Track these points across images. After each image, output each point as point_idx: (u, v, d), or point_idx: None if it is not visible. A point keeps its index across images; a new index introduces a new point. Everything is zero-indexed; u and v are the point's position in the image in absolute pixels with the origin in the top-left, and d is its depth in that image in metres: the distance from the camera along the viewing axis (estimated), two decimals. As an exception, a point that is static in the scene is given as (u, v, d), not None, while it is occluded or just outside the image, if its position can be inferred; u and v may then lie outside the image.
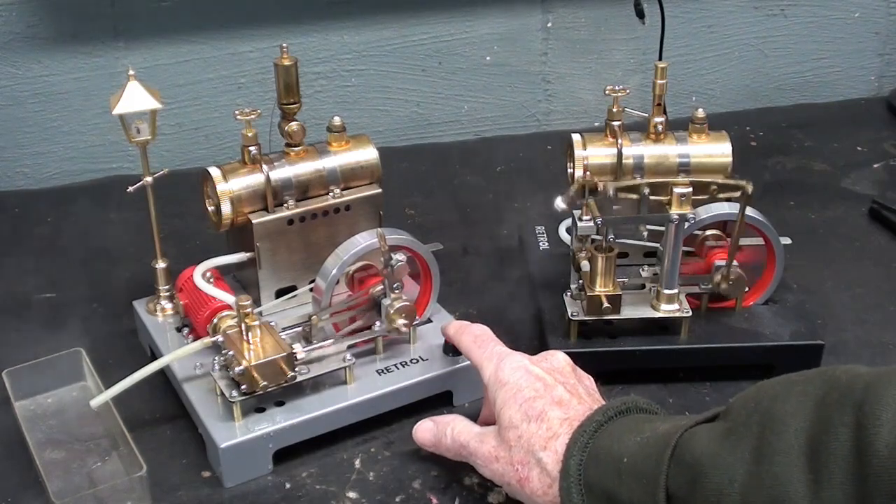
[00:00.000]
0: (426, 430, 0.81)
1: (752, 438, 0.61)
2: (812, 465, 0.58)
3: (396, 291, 0.88)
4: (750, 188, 0.88)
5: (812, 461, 0.58)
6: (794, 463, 0.59)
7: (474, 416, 0.88)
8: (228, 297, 0.88)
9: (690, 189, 0.87)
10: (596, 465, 0.68)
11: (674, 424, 0.67)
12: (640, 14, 1.24)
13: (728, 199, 0.92)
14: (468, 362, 0.88)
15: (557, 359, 0.78)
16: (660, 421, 0.69)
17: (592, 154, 0.98)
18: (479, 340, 0.82)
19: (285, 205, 0.93)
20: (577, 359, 0.90)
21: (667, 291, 0.90)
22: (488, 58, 1.44)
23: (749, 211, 0.91)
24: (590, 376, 0.80)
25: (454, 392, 0.89)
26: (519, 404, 0.73)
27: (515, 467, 0.72)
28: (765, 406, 0.63)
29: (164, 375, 0.90)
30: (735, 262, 0.92)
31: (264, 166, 0.91)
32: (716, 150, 0.98)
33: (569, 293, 0.93)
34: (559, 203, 0.90)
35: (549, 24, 1.44)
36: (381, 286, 0.88)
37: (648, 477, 0.65)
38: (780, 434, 0.60)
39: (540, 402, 0.73)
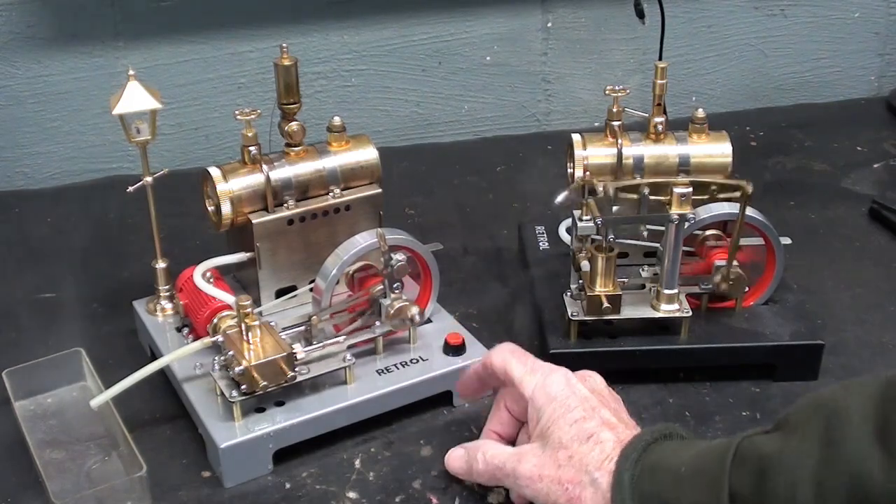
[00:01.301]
0: (457, 458, 0.79)
1: (818, 430, 0.61)
2: (884, 446, 0.58)
3: (396, 291, 0.88)
4: (749, 188, 0.88)
5: (883, 443, 0.58)
6: (866, 445, 0.58)
7: (475, 416, 0.88)
8: (228, 297, 0.88)
9: (690, 189, 0.87)
10: (651, 477, 0.67)
11: (728, 438, 0.67)
12: (640, 14, 1.24)
13: (728, 200, 0.92)
14: (468, 362, 0.88)
15: (595, 380, 0.77)
16: (707, 441, 0.69)
17: (592, 154, 0.98)
18: (517, 354, 0.80)
19: (285, 205, 0.93)
20: (577, 359, 0.90)
21: (667, 291, 0.90)
22: (488, 58, 1.44)
23: (749, 211, 0.91)
24: (618, 397, 0.79)
25: (454, 392, 0.89)
26: (569, 424, 0.72)
27: (565, 486, 0.70)
28: (825, 405, 0.62)
29: (164, 375, 0.90)
30: (735, 262, 0.92)
31: (264, 166, 0.91)
32: (716, 150, 0.98)
33: (569, 293, 0.93)
34: (559, 199, 0.90)
35: (549, 24, 1.44)
36: (381, 286, 0.88)
37: (710, 480, 0.64)
38: (846, 423, 0.60)
39: (590, 423, 0.72)
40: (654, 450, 0.69)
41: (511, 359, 0.79)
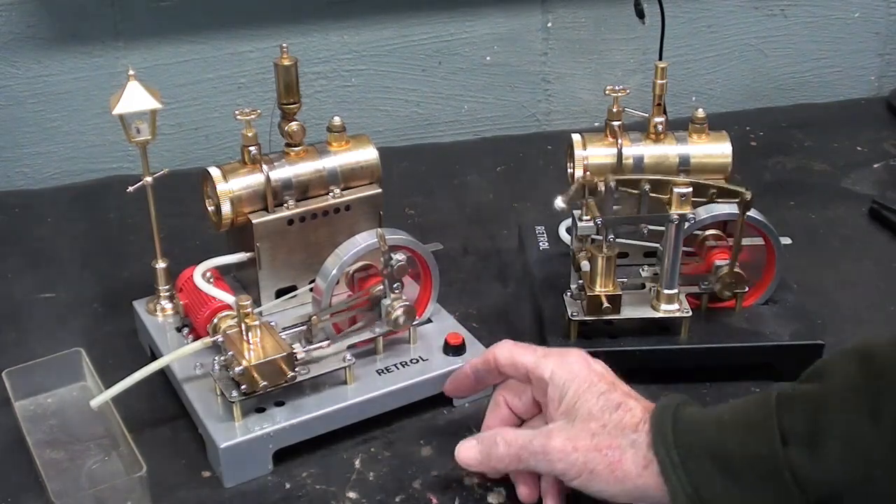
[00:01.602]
0: (470, 448, 0.77)
1: (857, 370, 0.64)
2: None
3: (396, 291, 0.88)
4: (749, 195, 0.88)
5: None
6: None
7: (475, 416, 0.88)
8: (228, 297, 0.88)
9: (690, 189, 0.87)
10: (690, 428, 0.68)
11: (760, 392, 0.69)
12: (640, 14, 1.24)
13: (727, 202, 0.92)
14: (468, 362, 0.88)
15: (601, 364, 0.79)
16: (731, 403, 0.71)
17: (592, 154, 0.98)
18: (521, 345, 0.80)
19: (285, 205, 0.93)
20: (577, 359, 0.90)
21: (667, 291, 0.90)
22: (488, 58, 1.44)
23: (749, 211, 0.90)
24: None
25: (454, 392, 0.89)
26: (596, 396, 0.73)
27: (604, 452, 0.70)
28: (851, 351, 0.65)
29: (164, 375, 0.90)
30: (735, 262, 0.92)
31: (264, 166, 0.91)
32: (716, 150, 0.98)
33: (569, 293, 0.93)
34: (559, 203, 0.90)
35: (549, 24, 1.44)
36: (381, 286, 0.88)
37: (757, 423, 0.65)
38: (881, 358, 0.63)
39: (615, 394, 0.73)
40: (684, 409, 0.71)
41: (517, 349, 0.79)
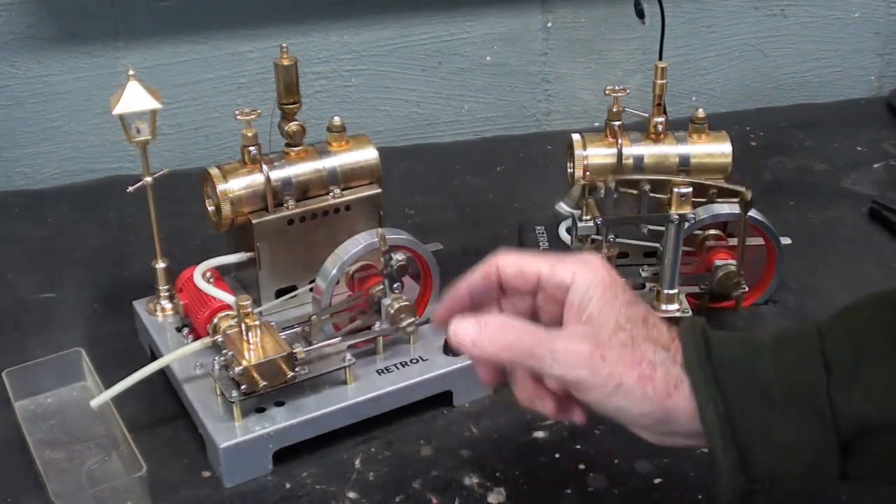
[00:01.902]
0: (470, 326, 0.66)
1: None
2: None
3: (396, 291, 0.88)
4: (749, 195, 0.88)
5: None
6: None
7: (475, 416, 0.88)
8: (228, 297, 0.88)
9: (690, 189, 0.87)
10: (724, 347, 0.63)
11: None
12: (640, 14, 1.25)
13: (728, 201, 0.92)
14: (468, 362, 0.88)
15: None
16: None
17: (592, 154, 0.98)
18: (524, 252, 0.70)
19: (285, 205, 0.93)
20: (577, 359, 0.90)
21: (667, 291, 0.90)
22: (488, 58, 1.44)
23: (750, 210, 0.91)
24: None
25: (454, 392, 0.89)
26: (623, 307, 0.65)
27: (634, 366, 0.62)
28: (880, 297, 0.64)
29: (164, 375, 0.90)
30: (734, 262, 0.92)
31: (264, 166, 0.91)
32: (716, 150, 0.98)
33: (569, 293, 0.93)
34: (564, 207, 0.90)
35: (549, 24, 1.44)
36: (381, 286, 0.88)
37: (799, 348, 0.61)
38: None
39: (640, 308, 0.66)
40: (712, 331, 0.65)
41: (524, 257, 0.69)
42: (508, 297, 0.71)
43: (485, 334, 0.65)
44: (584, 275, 0.66)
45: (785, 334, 0.64)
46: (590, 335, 0.64)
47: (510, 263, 0.69)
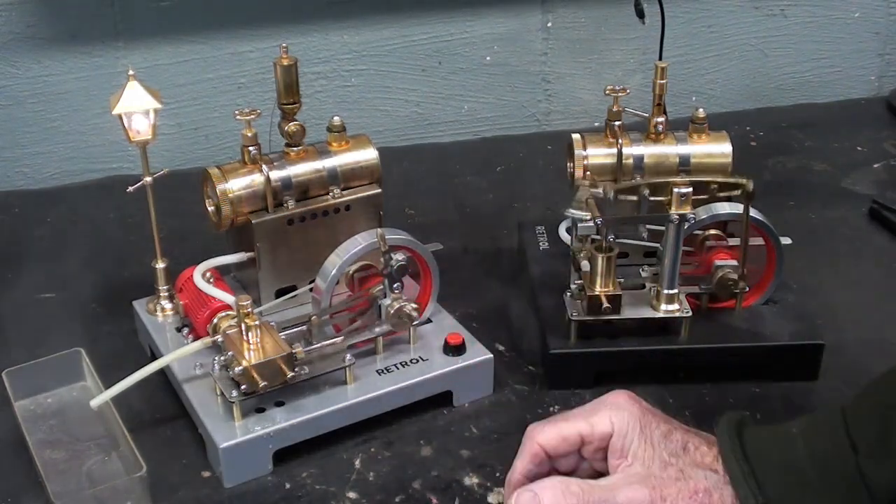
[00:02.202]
0: (533, 500, 0.68)
1: None
2: None
3: (396, 291, 0.88)
4: (750, 185, 0.88)
5: None
6: None
7: (475, 416, 0.88)
8: (228, 297, 0.88)
9: (690, 189, 0.87)
10: (758, 441, 0.68)
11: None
12: (640, 14, 1.24)
13: (728, 199, 0.92)
14: (468, 362, 0.88)
15: (643, 401, 0.76)
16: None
17: (592, 154, 0.98)
18: (551, 420, 0.74)
19: (285, 205, 0.93)
20: (577, 359, 0.90)
21: (667, 291, 0.90)
22: (488, 58, 1.44)
23: (752, 202, 0.90)
24: None
25: (454, 392, 0.89)
26: (662, 440, 0.70)
27: (694, 495, 0.67)
28: None
29: (164, 375, 0.90)
30: (734, 262, 0.92)
31: (264, 166, 0.91)
32: (716, 150, 0.98)
33: (569, 293, 0.93)
34: (574, 213, 0.89)
35: (549, 24, 1.44)
36: (381, 286, 0.88)
37: (826, 432, 0.66)
38: None
39: (677, 433, 0.71)
40: (746, 426, 0.70)
41: (555, 425, 0.73)
42: (557, 461, 0.74)
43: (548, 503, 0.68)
44: (620, 419, 0.71)
45: (814, 420, 0.68)
46: (643, 477, 0.68)
47: (550, 437, 0.72)
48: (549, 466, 0.73)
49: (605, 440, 0.71)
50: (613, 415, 0.71)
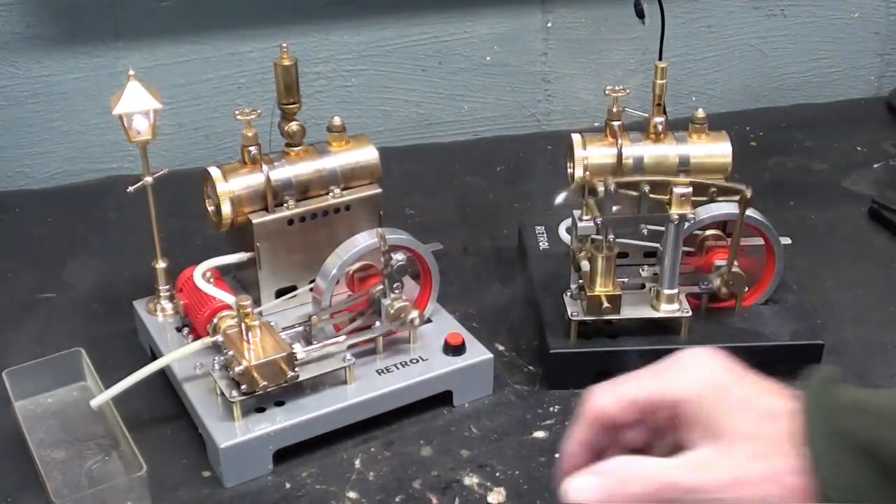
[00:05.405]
0: (587, 485, 0.58)
1: None
2: None
3: (396, 291, 0.88)
4: (748, 193, 0.88)
5: None
6: None
7: (475, 416, 0.88)
8: (228, 297, 0.88)
9: (690, 189, 0.87)
10: (847, 418, 0.56)
11: None
12: (640, 14, 1.24)
13: (727, 200, 0.92)
14: (468, 362, 0.88)
15: (722, 353, 0.64)
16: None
17: (592, 154, 0.98)
18: (614, 382, 0.63)
19: (285, 205, 0.93)
20: (577, 358, 0.90)
21: (667, 291, 0.90)
22: (488, 58, 1.44)
23: (749, 211, 0.90)
24: None
25: (454, 392, 0.89)
26: (743, 408, 0.59)
27: (780, 482, 0.56)
28: None
29: (164, 375, 0.90)
30: (735, 264, 0.92)
31: (264, 166, 0.91)
32: (716, 150, 0.98)
33: (569, 293, 0.93)
34: (558, 199, 0.90)
35: (549, 24, 1.44)
36: (381, 286, 0.88)
37: None
38: None
39: (762, 398, 0.59)
40: (838, 392, 0.57)
41: (617, 387, 0.62)
42: (621, 433, 0.63)
43: (605, 491, 0.57)
44: (691, 385, 0.60)
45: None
46: (719, 457, 0.57)
47: (609, 400, 0.61)
48: (614, 437, 0.62)
49: (676, 407, 0.60)
50: (688, 375, 0.60)
